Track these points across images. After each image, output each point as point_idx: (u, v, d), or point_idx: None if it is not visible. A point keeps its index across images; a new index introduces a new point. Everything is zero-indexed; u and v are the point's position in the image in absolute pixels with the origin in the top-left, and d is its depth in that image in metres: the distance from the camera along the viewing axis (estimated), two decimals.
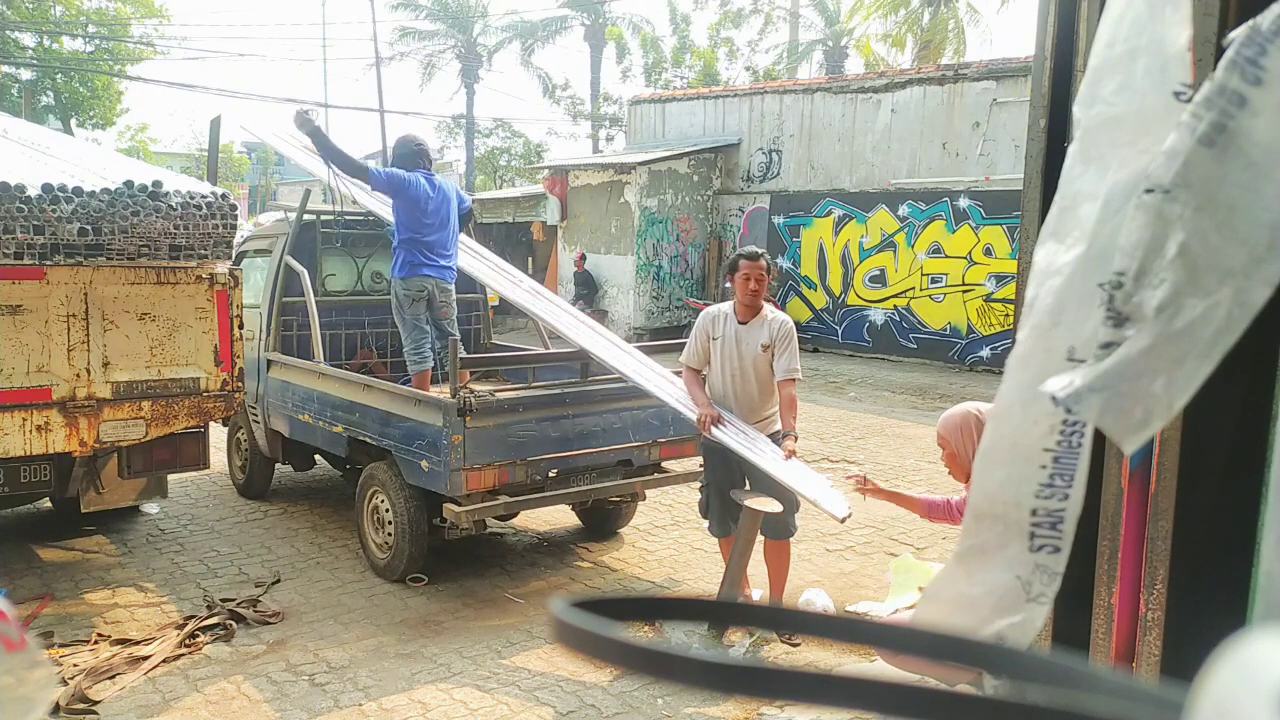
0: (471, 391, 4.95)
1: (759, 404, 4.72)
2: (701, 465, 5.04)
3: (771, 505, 4.46)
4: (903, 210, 14.33)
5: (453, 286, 5.92)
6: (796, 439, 4.60)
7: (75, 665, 4.19)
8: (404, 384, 5.74)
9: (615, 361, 5.30)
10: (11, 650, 0.98)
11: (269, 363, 6.46)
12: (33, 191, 4.57)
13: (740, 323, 4.68)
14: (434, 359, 5.88)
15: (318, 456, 6.76)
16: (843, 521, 4.41)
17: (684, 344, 5.00)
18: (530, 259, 20.06)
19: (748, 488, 4.70)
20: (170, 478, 5.98)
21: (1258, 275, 1.19)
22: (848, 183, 15.16)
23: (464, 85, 32.12)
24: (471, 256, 6.44)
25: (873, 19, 26.47)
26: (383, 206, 6.68)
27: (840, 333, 15.30)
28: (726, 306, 4.79)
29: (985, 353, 13.48)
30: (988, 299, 13.46)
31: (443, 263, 5.78)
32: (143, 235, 4.86)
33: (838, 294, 15.29)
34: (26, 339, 4.73)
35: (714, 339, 4.73)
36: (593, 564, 5.81)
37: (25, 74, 26.43)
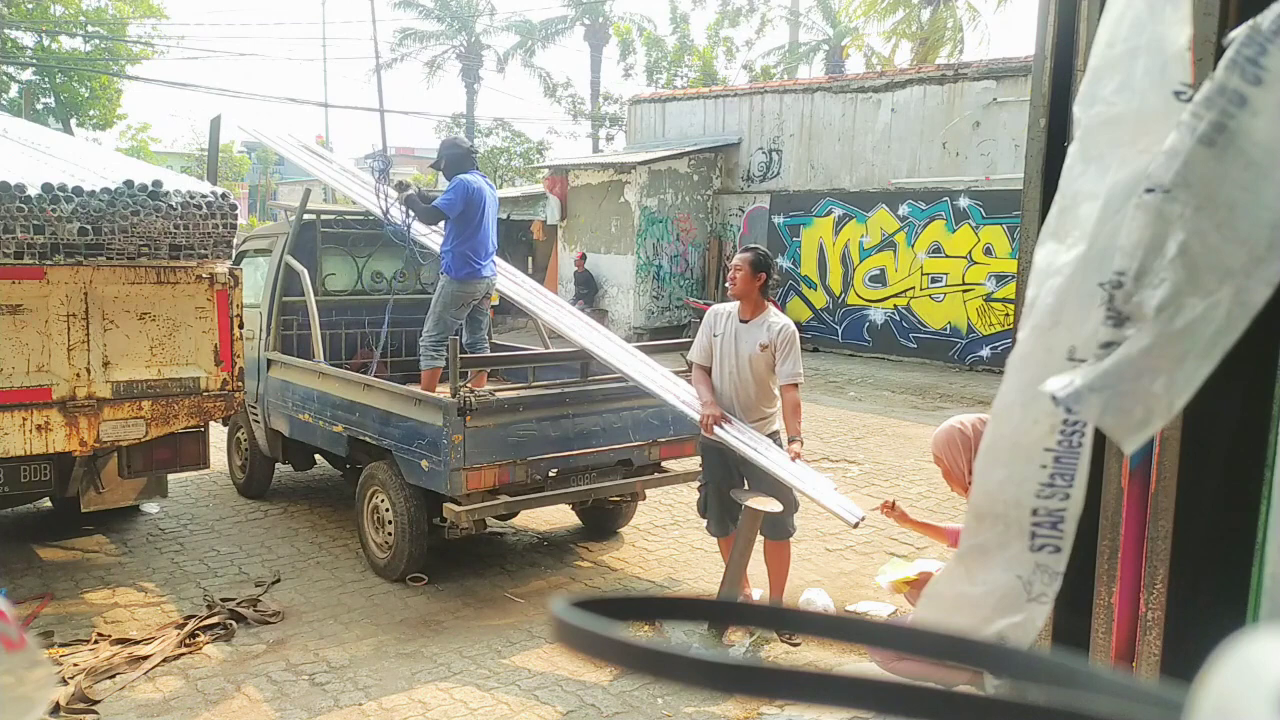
0: (471, 391, 4.95)
1: (756, 402, 4.72)
2: (700, 464, 5.04)
3: (771, 505, 4.46)
4: (903, 210, 14.33)
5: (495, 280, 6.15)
6: (803, 443, 4.60)
7: (75, 665, 4.19)
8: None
9: (617, 362, 5.30)
10: (11, 650, 0.98)
11: (269, 362, 6.46)
12: (33, 191, 4.57)
13: (742, 321, 4.70)
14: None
15: (318, 456, 6.76)
16: (855, 527, 4.39)
17: (684, 343, 5.00)
18: (530, 258, 20.04)
19: (746, 487, 4.70)
20: (170, 477, 5.98)
21: (1258, 275, 1.19)
22: (848, 182, 15.16)
23: (465, 85, 32.11)
24: None
25: (872, 18, 26.45)
26: (386, 202, 6.66)
27: (840, 332, 15.29)
28: (731, 305, 4.81)
29: (985, 352, 13.48)
30: (988, 299, 13.45)
31: (493, 256, 6.00)
32: (143, 235, 4.86)
33: (838, 294, 15.29)
34: (26, 338, 4.73)
35: (715, 335, 4.74)
36: (593, 564, 5.81)
37: (26, 74, 26.40)
